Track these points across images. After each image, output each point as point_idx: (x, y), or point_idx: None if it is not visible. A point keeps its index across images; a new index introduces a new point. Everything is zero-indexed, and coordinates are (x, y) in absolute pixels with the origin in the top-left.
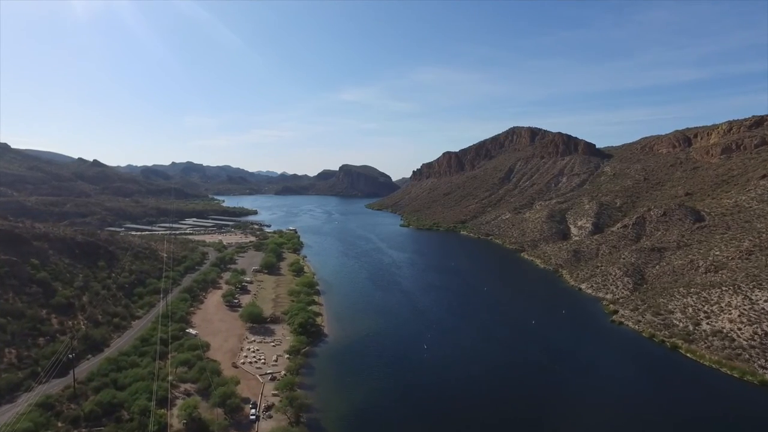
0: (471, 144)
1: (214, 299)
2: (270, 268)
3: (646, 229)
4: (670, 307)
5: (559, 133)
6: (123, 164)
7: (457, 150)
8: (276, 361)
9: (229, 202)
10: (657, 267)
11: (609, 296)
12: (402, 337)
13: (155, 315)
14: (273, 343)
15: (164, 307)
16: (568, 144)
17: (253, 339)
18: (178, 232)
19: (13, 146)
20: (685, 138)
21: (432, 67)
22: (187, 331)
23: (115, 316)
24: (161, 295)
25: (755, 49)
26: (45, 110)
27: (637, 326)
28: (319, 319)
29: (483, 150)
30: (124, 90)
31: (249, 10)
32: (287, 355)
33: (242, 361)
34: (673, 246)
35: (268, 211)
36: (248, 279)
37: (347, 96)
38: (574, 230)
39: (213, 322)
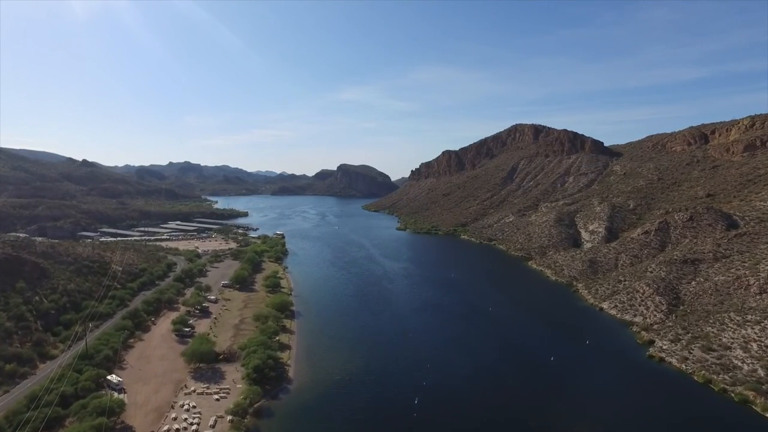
0: (471, 143)
1: (164, 326)
2: (242, 283)
3: (670, 235)
4: (723, 339)
5: (565, 130)
6: (121, 164)
7: (457, 149)
8: (214, 425)
9: (223, 203)
10: (694, 284)
11: (639, 320)
12: (387, 385)
13: (76, 353)
14: (218, 395)
15: (90, 341)
16: (574, 142)
17: (192, 388)
18: (153, 237)
19: (2, 146)
20: (702, 135)
21: (432, 66)
22: (107, 378)
23: (13, 359)
24: (78, 328)
25: (757, 47)
26: (43, 110)
27: (684, 365)
28: (285, 355)
29: (484, 148)
30: (123, 90)
31: (248, 10)
32: (230, 417)
33: (167, 427)
34: (709, 257)
35: (259, 213)
36: (213, 297)
37: (347, 95)
38: (585, 235)
39: (151, 361)
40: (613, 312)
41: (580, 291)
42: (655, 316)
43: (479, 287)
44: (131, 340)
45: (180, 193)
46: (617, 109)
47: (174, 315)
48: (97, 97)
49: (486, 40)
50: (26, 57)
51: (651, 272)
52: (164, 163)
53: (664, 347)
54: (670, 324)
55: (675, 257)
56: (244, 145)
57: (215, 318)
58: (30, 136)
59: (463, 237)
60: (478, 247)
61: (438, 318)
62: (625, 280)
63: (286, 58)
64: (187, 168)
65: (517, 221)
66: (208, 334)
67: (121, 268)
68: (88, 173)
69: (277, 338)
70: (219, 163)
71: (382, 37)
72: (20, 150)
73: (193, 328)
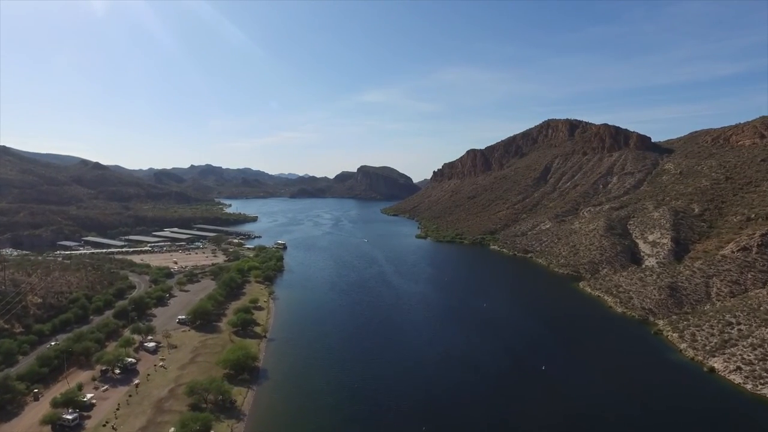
0: (498, 141)
1: (48, 405)
2: (204, 318)
3: None
4: None
5: (605, 124)
6: (145, 167)
7: (482, 147)
8: None
9: (237, 206)
10: None
11: None
12: None
13: None
14: None
15: None
16: (617, 137)
17: None
18: (131, 249)
19: (20, 149)
20: None
21: (455, 66)
22: None
23: None
24: None
25: None
26: (72, 116)
27: None
28: None
29: (513, 147)
30: (147, 95)
31: (269, 13)
32: None
33: None
34: None
35: (270, 218)
36: (153, 344)
37: (369, 97)
38: (644, 247)
39: None
40: (735, 378)
41: (666, 334)
42: None
43: (523, 326)
44: None
45: (194, 196)
46: (648, 108)
47: (81, 377)
48: (125, 103)
49: (510, 40)
50: (52, 63)
51: None
52: (186, 166)
53: None
54: None
55: None
56: (268, 148)
57: (137, 385)
58: (57, 140)
59: (492, 247)
60: (512, 260)
61: (469, 384)
62: (739, 324)
63: (308, 62)
64: (207, 171)
65: (556, 228)
66: (104, 425)
67: (41, 299)
68: (98, 176)
69: None
70: (242, 166)
71: (403, 39)
72: (45, 154)
73: (87, 409)
